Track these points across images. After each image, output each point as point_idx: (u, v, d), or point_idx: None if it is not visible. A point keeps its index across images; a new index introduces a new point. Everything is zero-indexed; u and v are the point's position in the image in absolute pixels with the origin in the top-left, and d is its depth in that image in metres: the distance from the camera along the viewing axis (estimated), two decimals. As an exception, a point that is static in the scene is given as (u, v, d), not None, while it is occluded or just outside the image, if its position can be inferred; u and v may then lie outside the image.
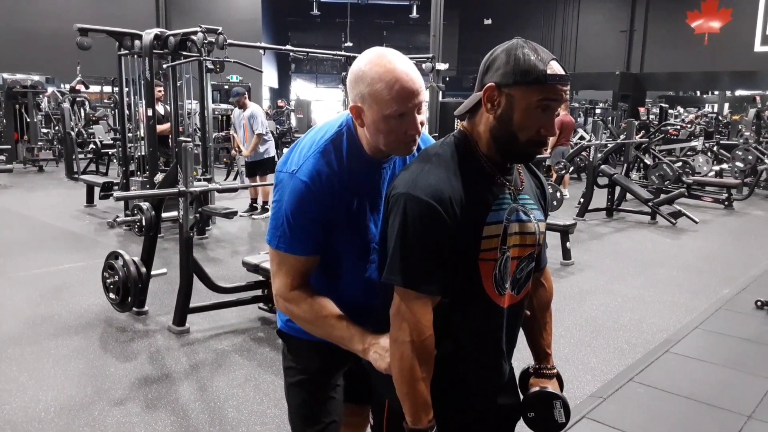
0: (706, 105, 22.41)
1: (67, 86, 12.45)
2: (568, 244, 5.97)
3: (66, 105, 11.17)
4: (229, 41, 6.27)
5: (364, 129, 1.39)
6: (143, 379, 3.26)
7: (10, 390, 3.08)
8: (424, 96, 1.38)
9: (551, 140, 9.82)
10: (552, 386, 1.48)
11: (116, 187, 7.37)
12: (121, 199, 3.91)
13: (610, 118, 18.71)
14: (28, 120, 12.14)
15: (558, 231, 6.00)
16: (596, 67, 22.01)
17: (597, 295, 4.91)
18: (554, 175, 9.40)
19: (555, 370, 1.53)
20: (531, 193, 1.38)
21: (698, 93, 23.84)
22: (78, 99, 13.18)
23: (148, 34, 6.11)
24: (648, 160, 10.42)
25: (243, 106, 7.36)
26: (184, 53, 6.31)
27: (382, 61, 1.32)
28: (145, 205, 3.90)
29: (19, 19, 18.09)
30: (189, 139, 3.76)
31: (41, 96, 13.25)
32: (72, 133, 10.58)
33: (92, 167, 11.01)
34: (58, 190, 9.85)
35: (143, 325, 4.04)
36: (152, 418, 2.84)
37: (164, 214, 4.96)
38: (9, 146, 11.35)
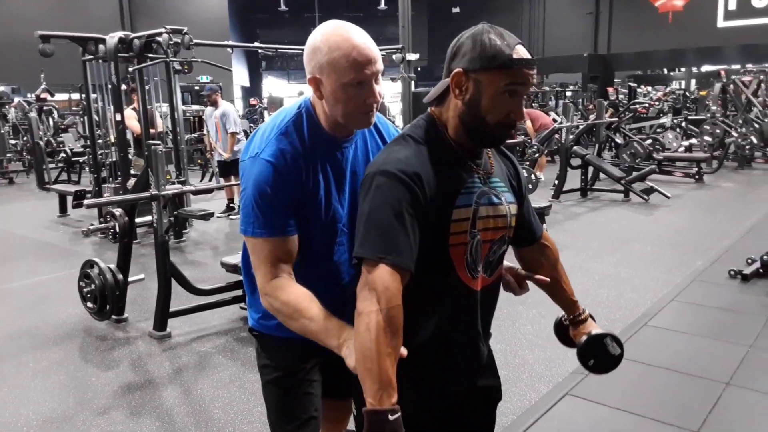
0: (674, 82, 22.80)
1: (33, 95, 12.21)
2: (544, 225, 6.03)
3: (33, 114, 10.95)
4: (195, 41, 6.20)
5: (322, 103, 1.40)
6: (126, 386, 3.23)
7: (-11, 406, 3.03)
8: (381, 66, 1.39)
9: (529, 129, 9.90)
10: (593, 328, 1.53)
11: (89, 195, 7.25)
12: (93, 206, 3.86)
13: (580, 100, 18.92)
14: (-6, 132, 11.87)
15: (534, 214, 6.05)
16: (565, 50, 22.19)
17: (574, 274, 4.94)
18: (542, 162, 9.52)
19: (587, 313, 1.57)
20: (502, 177, 1.39)
21: (665, 71, 24.21)
22: (45, 108, 12.94)
23: (112, 38, 6.01)
24: (619, 139, 10.58)
25: (215, 104, 7.28)
26: (150, 55, 6.22)
27: (338, 31, 1.34)
28: (117, 211, 3.85)
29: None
30: (158, 142, 3.71)
31: (7, 106, 12.96)
32: (41, 142, 10.38)
33: (64, 176, 10.81)
34: (30, 202, 9.68)
35: (123, 332, 4.00)
36: (137, 425, 2.82)
37: (139, 219, 4.93)
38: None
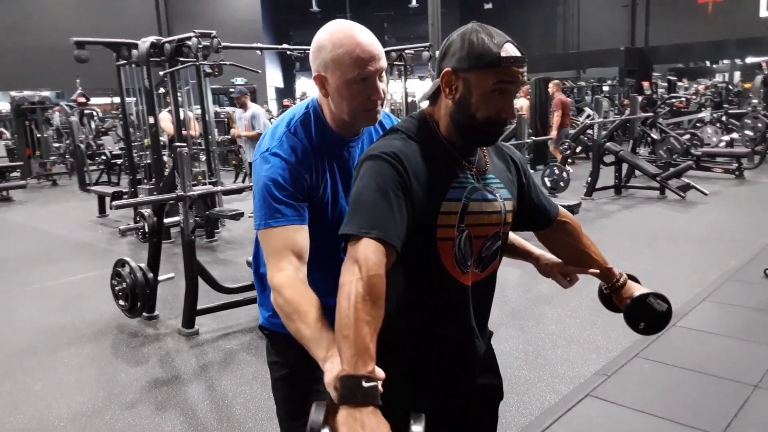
0: (717, 75, 22.09)
1: (77, 99, 12.60)
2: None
3: (74, 118, 11.31)
4: (224, 44, 6.30)
5: (328, 100, 1.42)
6: (153, 382, 3.33)
7: (24, 399, 3.16)
8: (384, 63, 1.41)
9: (555, 121, 9.77)
10: (635, 290, 1.52)
11: (125, 196, 7.47)
12: (120, 207, 3.97)
13: (617, 94, 18.53)
14: (39, 135, 12.31)
15: (562, 212, 5.98)
16: (600, 44, 21.79)
17: (604, 273, 4.88)
18: (559, 156, 9.35)
19: (624, 277, 1.55)
20: (498, 173, 1.39)
21: (708, 63, 23.49)
22: (87, 111, 13.36)
23: (144, 43, 6.16)
24: (655, 135, 10.32)
25: (243, 106, 7.41)
26: (181, 59, 6.36)
27: (342, 29, 1.37)
28: (147, 211, 3.96)
29: (23, 37, 18.31)
30: (184, 145, 3.80)
31: (50, 111, 13.43)
32: (81, 145, 10.72)
33: (104, 178, 11.15)
34: (71, 203, 10.00)
35: (154, 329, 4.12)
36: (162, 420, 2.91)
37: (173, 219, 5.04)
38: (22, 162, 11.53)
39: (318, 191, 1.45)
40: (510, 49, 1.23)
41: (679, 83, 20.30)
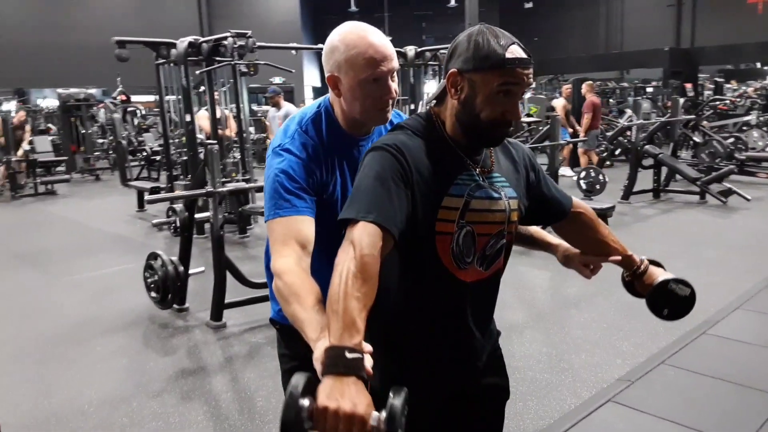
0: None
1: (115, 98, 12.99)
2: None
3: (117, 115, 11.66)
4: (259, 43, 6.41)
5: (341, 100, 1.45)
6: (180, 372, 3.42)
7: (57, 385, 3.28)
8: (396, 64, 1.44)
9: (584, 123, 9.62)
10: (656, 277, 1.52)
11: (163, 192, 7.66)
12: (152, 202, 4.09)
13: (660, 96, 18.08)
14: (83, 131, 12.73)
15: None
16: (644, 44, 21.27)
17: (635, 278, 4.78)
18: (595, 159, 9.20)
19: (645, 263, 1.56)
20: (504, 173, 1.39)
21: (758, 65, 22.68)
22: (130, 109, 13.76)
23: (182, 42, 6.32)
24: (698, 138, 10.04)
25: (277, 105, 7.53)
26: (218, 58, 6.49)
27: (354, 30, 1.40)
28: (178, 206, 4.06)
29: (70, 37, 18.94)
30: (215, 142, 3.89)
31: (95, 108, 13.88)
32: (123, 142, 11.05)
33: (144, 173, 11.46)
34: (112, 197, 10.30)
35: (183, 321, 4.22)
36: (186, 409, 2.99)
37: (204, 215, 5.16)
38: (66, 157, 11.93)
39: (328, 189, 1.48)
40: (516, 51, 1.23)
41: (727, 85, 19.68)
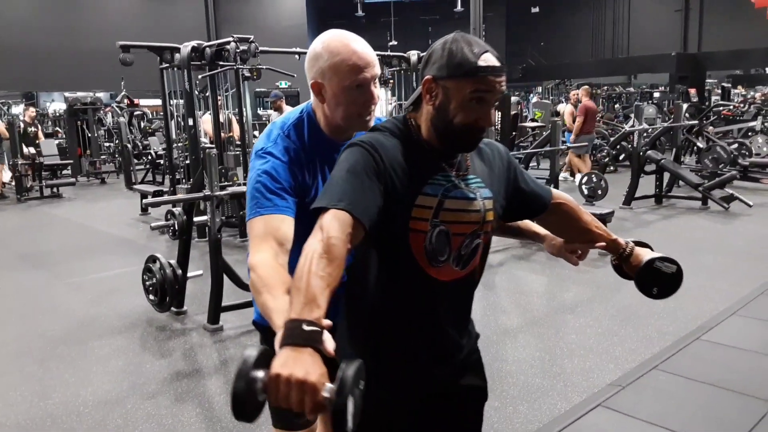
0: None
1: (121, 101, 13.09)
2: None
3: (122, 119, 11.76)
4: (262, 48, 6.47)
5: (324, 106, 1.48)
6: (175, 374, 3.45)
7: (54, 386, 3.33)
8: (378, 70, 1.48)
9: (576, 126, 9.62)
10: (642, 258, 1.55)
11: (166, 195, 7.72)
12: (150, 206, 4.13)
13: (666, 101, 18.03)
14: (90, 135, 12.84)
15: (595, 220, 5.89)
16: (651, 49, 21.25)
17: (632, 284, 4.77)
18: (589, 163, 9.21)
19: (630, 245, 1.58)
20: (480, 174, 1.41)
21: (767, 70, 22.59)
22: (137, 113, 13.87)
23: (186, 47, 6.38)
24: (701, 144, 10.01)
25: (279, 109, 7.59)
26: (221, 63, 6.55)
27: (338, 38, 1.45)
28: (177, 210, 4.10)
29: (79, 41, 19.09)
30: (212, 146, 3.93)
31: (102, 111, 14.00)
32: (128, 145, 11.14)
33: (149, 177, 11.54)
34: (117, 200, 10.39)
35: (181, 324, 4.26)
36: (179, 410, 3.02)
37: (203, 218, 5.20)
38: (72, 161, 12.04)
39: (309, 192, 1.51)
40: (488, 59, 1.25)
41: (735, 90, 19.61)
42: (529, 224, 1.70)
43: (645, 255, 1.55)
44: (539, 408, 2.92)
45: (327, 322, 1.03)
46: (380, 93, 1.55)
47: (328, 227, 1.12)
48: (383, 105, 9.48)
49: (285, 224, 1.41)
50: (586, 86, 10.46)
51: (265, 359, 0.97)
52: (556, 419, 2.79)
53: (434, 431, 1.50)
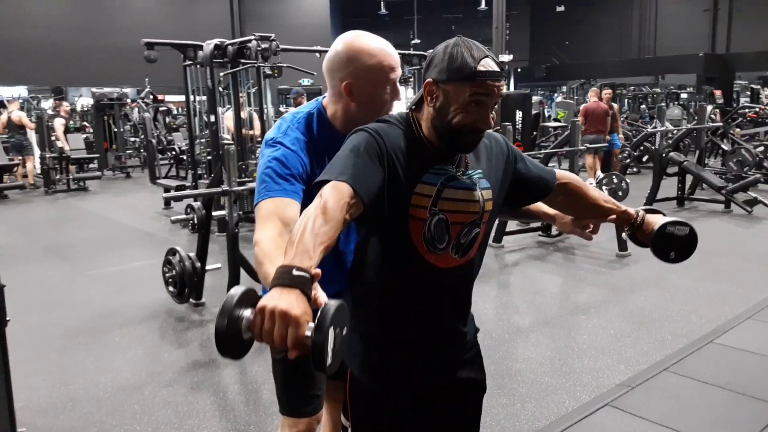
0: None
1: (145, 97, 13.30)
2: (623, 234, 5.79)
3: (147, 115, 11.97)
4: (283, 46, 6.56)
5: (351, 104, 1.56)
6: (192, 363, 3.55)
7: (75, 372, 3.44)
8: (401, 71, 1.60)
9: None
10: (654, 225, 1.58)
11: (188, 190, 7.85)
12: (170, 200, 4.24)
13: (693, 102, 17.76)
14: (116, 130, 13.09)
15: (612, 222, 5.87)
16: (678, 49, 20.95)
17: (648, 286, 4.77)
18: (598, 164, 9.14)
19: (641, 214, 1.61)
20: (480, 166, 1.45)
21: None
22: (162, 108, 14.10)
23: (209, 45, 6.49)
24: (726, 146, 9.87)
25: (299, 106, 7.66)
26: (242, 61, 6.65)
27: (369, 41, 1.55)
28: (196, 204, 4.20)
29: (106, 37, 19.40)
30: (231, 142, 4.01)
31: (128, 107, 14.24)
32: (153, 140, 11.33)
33: (173, 172, 11.73)
34: (141, 195, 10.58)
35: (199, 315, 4.36)
36: (195, 398, 3.10)
37: (221, 213, 5.30)
38: (98, 155, 12.29)
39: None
40: (487, 64, 1.29)
41: (764, 92, 19.20)
42: (539, 205, 1.72)
43: (657, 221, 1.58)
44: (547, 406, 2.94)
45: (317, 270, 1.06)
46: (402, 91, 1.63)
47: (327, 195, 1.17)
48: (403, 104, 9.50)
49: (291, 207, 1.45)
50: (595, 88, 10.35)
51: (248, 299, 0.99)
52: (562, 417, 2.81)
53: (433, 423, 1.55)
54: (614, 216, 1.60)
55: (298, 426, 1.77)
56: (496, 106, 1.38)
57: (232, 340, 0.96)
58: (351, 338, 1.44)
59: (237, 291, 0.98)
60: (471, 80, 1.28)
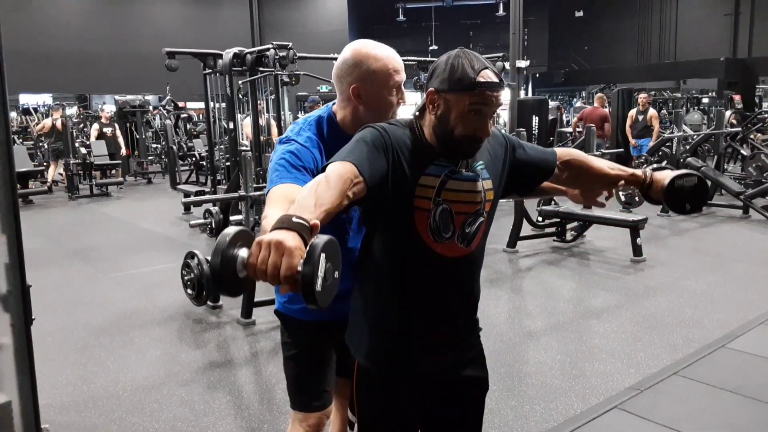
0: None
1: (167, 104, 13.53)
2: (638, 240, 5.80)
3: (168, 122, 12.19)
4: (300, 54, 6.67)
5: (360, 107, 1.65)
6: (209, 364, 3.64)
7: (96, 372, 3.55)
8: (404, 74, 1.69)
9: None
10: (662, 180, 1.61)
11: (207, 195, 8.00)
12: (188, 204, 4.34)
13: (714, 107, 17.56)
14: (138, 136, 13.34)
15: (627, 227, 5.86)
16: (699, 54, 20.71)
17: (662, 291, 4.76)
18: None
19: (648, 173, 1.65)
20: (481, 157, 1.51)
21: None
22: (183, 115, 14.34)
23: (228, 54, 6.63)
24: (745, 151, 9.76)
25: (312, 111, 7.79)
26: (261, 69, 6.78)
27: (374, 47, 1.64)
28: (214, 209, 4.30)
29: (130, 46, 19.71)
30: (248, 149, 4.11)
31: (151, 114, 14.51)
32: (174, 147, 11.54)
33: (193, 178, 11.92)
34: (162, 200, 10.78)
35: (216, 317, 4.46)
36: (211, 397, 3.19)
37: (238, 217, 5.41)
38: (121, 161, 12.54)
39: None
40: (487, 75, 1.37)
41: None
42: (547, 183, 1.78)
43: (665, 177, 1.62)
44: (555, 408, 2.98)
45: (316, 221, 1.10)
46: (416, 97, 1.71)
47: (332, 169, 1.26)
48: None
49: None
50: (601, 94, 10.34)
51: (243, 238, 1.03)
52: (570, 419, 2.84)
53: (437, 418, 1.61)
54: (623, 181, 1.65)
55: (309, 420, 1.84)
56: (494, 115, 1.45)
57: (227, 278, 1.00)
58: (359, 328, 1.52)
59: (231, 230, 1.03)
60: (470, 90, 1.36)
